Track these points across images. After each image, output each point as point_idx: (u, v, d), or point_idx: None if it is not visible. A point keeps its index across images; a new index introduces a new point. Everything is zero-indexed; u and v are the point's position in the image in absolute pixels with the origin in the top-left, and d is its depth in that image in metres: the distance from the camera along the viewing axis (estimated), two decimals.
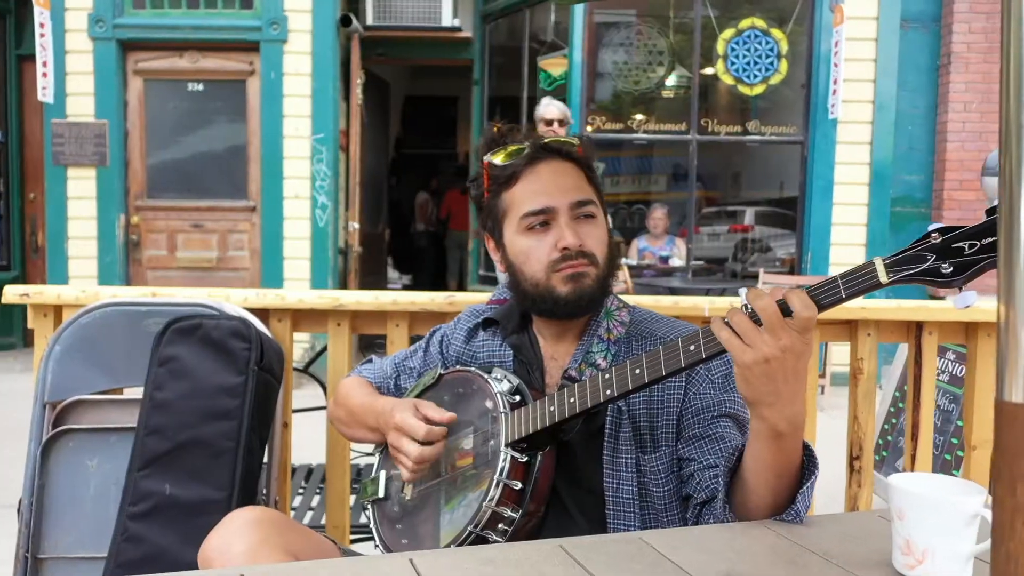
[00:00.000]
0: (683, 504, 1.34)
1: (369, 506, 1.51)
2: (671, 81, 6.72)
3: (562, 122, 4.71)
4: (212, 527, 1.23)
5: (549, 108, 4.73)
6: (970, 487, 0.94)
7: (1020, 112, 0.49)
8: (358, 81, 6.70)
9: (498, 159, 1.42)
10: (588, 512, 1.35)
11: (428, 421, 1.37)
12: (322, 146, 6.29)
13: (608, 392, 1.22)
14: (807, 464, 1.14)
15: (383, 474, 1.51)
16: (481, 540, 1.28)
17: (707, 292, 5.74)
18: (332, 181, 6.33)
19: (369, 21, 6.80)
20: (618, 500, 1.34)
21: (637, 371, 1.18)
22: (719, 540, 1.04)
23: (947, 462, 3.13)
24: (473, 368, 1.46)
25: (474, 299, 1.98)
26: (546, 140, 1.43)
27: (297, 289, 4.36)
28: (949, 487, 0.95)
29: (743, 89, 6.44)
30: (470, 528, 1.28)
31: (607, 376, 1.22)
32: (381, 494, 1.49)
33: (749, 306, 1.06)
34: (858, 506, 2.03)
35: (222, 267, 6.44)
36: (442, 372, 1.50)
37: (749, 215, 7.75)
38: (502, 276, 1.52)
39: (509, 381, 1.38)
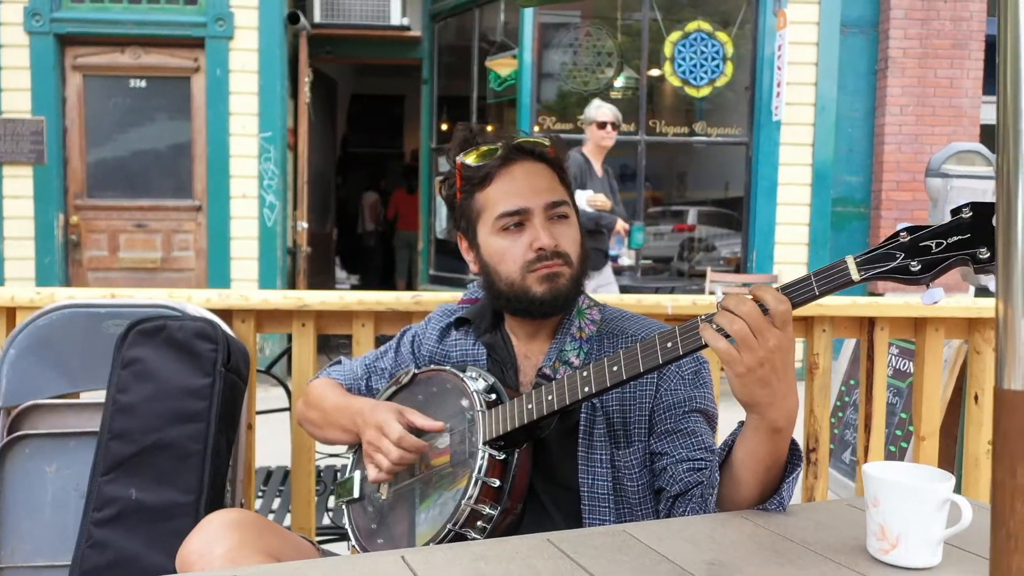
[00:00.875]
0: (655, 498, 1.37)
1: (344, 507, 1.51)
2: (619, 82, 6.80)
3: (615, 125, 4.63)
4: (180, 531, 1.22)
5: (602, 110, 4.61)
6: (939, 474, 0.99)
7: (1017, 113, 0.52)
8: (306, 79, 6.63)
9: (471, 159, 1.43)
10: (563, 508, 1.37)
11: (412, 427, 1.37)
12: (270, 145, 6.20)
13: (587, 389, 1.24)
14: (791, 456, 1.18)
15: (357, 474, 1.51)
16: (460, 538, 1.29)
17: (656, 290, 5.83)
18: (280, 180, 6.25)
19: (317, 19, 6.73)
20: (593, 495, 1.36)
21: (615, 368, 1.21)
22: (701, 531, 1.07)
23: (892, 453, 3.24)
24: (447, 367, 1.46)
25: (440, 298, 1.98)
26: (519, 140, 1.45)
27: (245, 290, 4.31)
28: (919, 474, 1.00)
29: (689, 91, 6.56)
30: (449, 526, 1.29)
31: (585, 374, 1.24)
32: (356, 494, 1.49)
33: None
34: (814, 497, 2.10)
35: (167, 268, 6.31)
36: (416, 371, 1.50)
37: (692, 215, 7.89)
38: (476, 277, 1.53)
39: (485, 380, 1.40)
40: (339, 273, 10.08)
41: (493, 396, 1.38)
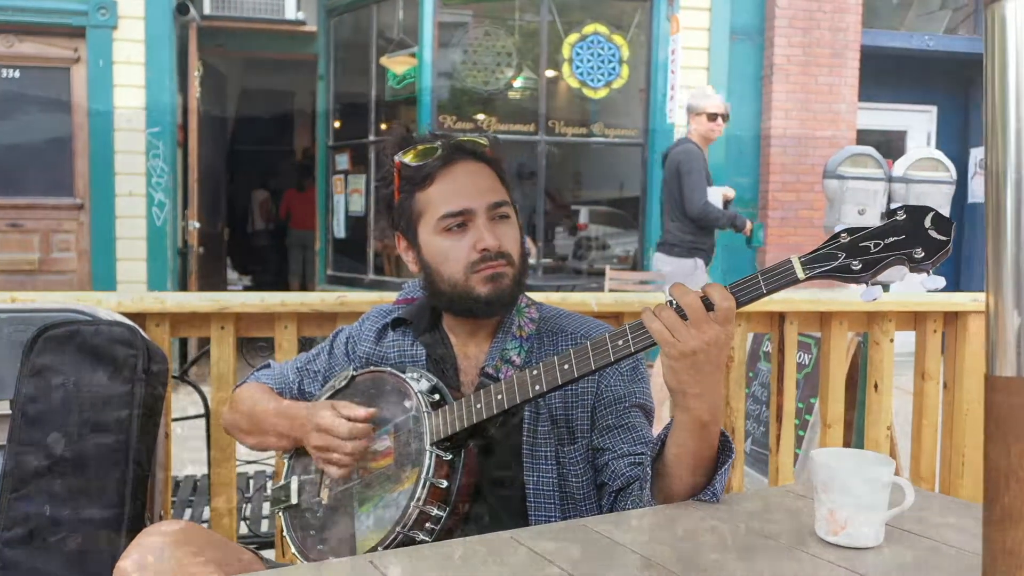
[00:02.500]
0: (598, 493, 1.40)
1: (281, 514, 1.47)
2: (518, 83, 6.86)
3: (725, 117, 4.42)
4: (102, 549, 1.16)
5: (714, 101, 4.36)
6: (880, 458, 1.05)
7: (1005, 110, 0.56)
8: (196, 73, 6.38)
9: (409, 158, 1.42)
10: (509, 506, 1.38)
11: (349, 420, 1.35)
12: (158, 140, 5.94)
13: (537, 388, 1.25)
14: (723, 448, 1.22)
15: (294, 480, 1.47)
16: (408, 540, 1.27)
17: (558, 288, 5.91)
18: (170, 177, 6.00)
19: (207, 11, 6.48)
20: (538, 492, 1.37)
21: (566, 366, 1.22)
22: (658, 523, 1.10)
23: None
24: (387, 368, 1.45)
25: (366, 299, 1.95)
26: (459, 140, 1.45)
27: (132, 292, 4.11)
28: (863, 459, 1.06)
29: (587, 92, 6.68)
30: (398, 529, 1.27)
31: (535, 372, 1.25)
32: (293, 500, 1.45)
33: (674, 302, 1.13)
34: (731, 487, 2.18)
35: (45, 270, 5.94)
36: (353, 373, 1.48)
37: (585, 214, 8.05)
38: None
39: (427, 380, 1.39)
40: (230, 274, 9.75)
41: (437, 396, 1.37)
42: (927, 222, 1.05)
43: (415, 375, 1.40)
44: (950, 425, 2.32)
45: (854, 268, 1.07)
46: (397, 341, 1.52)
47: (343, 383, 1.47)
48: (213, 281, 7.42)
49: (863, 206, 3.44)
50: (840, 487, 1.00)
